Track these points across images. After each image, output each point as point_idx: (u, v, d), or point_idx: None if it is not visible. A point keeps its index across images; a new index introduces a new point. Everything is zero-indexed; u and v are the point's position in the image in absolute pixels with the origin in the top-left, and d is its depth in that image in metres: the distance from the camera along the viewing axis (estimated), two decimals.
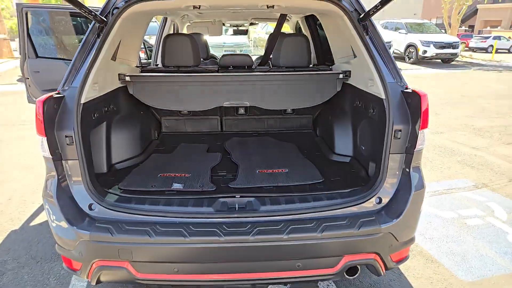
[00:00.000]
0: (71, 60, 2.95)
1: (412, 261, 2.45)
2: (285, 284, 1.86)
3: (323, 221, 1.55)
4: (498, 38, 28.26)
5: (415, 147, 1.59)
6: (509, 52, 28.11)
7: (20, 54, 3.07)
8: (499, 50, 27.52)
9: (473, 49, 28.25)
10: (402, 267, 2.40)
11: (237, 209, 1.61)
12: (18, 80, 10.63)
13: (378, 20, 18.67)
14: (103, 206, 1.61)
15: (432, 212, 3.10)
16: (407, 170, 1.63)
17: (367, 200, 1.64)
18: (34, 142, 5.00)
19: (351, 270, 1.68)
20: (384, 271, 1.68)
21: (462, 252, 2.56)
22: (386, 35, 15.07)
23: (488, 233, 2.80)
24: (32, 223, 2.97)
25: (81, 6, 1.55)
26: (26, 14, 2.85)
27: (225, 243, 1.48)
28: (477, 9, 38.60)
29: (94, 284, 1.65)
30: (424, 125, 1.58)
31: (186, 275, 1.56)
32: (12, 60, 15.26)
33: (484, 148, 4.71)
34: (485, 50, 27.39)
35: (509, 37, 29.66)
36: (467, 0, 17.34)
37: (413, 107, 1.59)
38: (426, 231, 2.82)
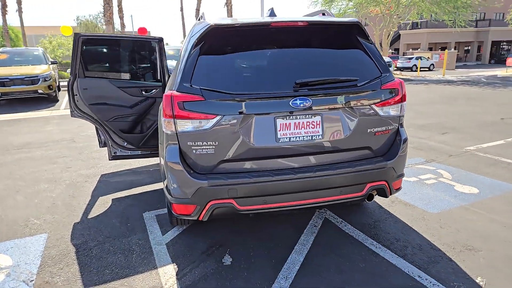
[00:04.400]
0: (114, 78, 3.73)
1: (396, 207, 3.45)
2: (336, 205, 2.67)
3: (355, 162, 2.46)
4: (420, 58, 32.65)
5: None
6: (429, 70, 32.45)
7: (70, 74, 3.64)
8: (421, 68, 31.81)
9: (400, 69, 32.17)
10: (390, 210, 3.37)
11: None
12: None
13: None
14: None
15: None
16: (399, 128, 2.62)
17: None
18: (37, 162, 5.36)
19: (369, 196, 2.60)
20: (389, 195, 2.62)
21: (427, 198, 3.62)
22: None
23: (441, 186, 3.92)
24: (90, 216, 3.47)
25: None
26: (82, 41, 3.49)
27: (298, 179, 2.32)
28: (400, 34, 44.20)
29: (205, 220, 2.37)
30: (401, 101, 2.59)
31: (272, 204, 2.35)
32: None
33: (427, 138, 6.06)
34: (410, 69, 31.26)
35: (428, 57, 34.40)
36: (393, 27, 20.31)
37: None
38: (401, 189, 3.86)
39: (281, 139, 2.31)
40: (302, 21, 2.42)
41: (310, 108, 2.29)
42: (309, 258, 2.65)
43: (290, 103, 2.26)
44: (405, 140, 2.62)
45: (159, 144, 2.80)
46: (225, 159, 2.31)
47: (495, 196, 3.65)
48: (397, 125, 2.60)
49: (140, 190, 4.11)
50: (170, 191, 2.40)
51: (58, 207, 3.71)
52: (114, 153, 4.07)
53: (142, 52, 3.85)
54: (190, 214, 2.38)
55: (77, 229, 3.23)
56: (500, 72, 21.89)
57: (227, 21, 2.38)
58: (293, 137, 2.33)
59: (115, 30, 26.73)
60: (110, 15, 20.69)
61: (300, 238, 2.91)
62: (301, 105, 2.26)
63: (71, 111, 3.80)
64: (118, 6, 24.01)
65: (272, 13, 2.83)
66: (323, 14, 3.01)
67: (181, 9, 33.23)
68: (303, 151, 2.39)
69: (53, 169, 4.99)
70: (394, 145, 2.60)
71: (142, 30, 21.98)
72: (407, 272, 2.44)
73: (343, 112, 2.41)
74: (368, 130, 2.47)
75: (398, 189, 2.71)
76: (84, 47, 3.54)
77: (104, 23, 20.47)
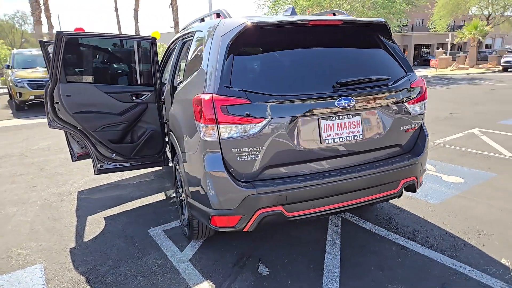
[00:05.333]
0: (101, 83, 3.38)
1: (401, 200, 3.59)
2: (371, 204, 2.68)
3: (390, 159, 2.50)
4: None
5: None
6: None
7: (50, 79, 3.15)
8: None
9: None
10: (399, 204, 3.50)
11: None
12: None
13: None
14: None
15: None
16: (422, 125, 2.72)
17: None
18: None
19: (401, 193, 2.66)
20: (417, 189, 2.71)
21: (425, 190, 3.84)
22: None
23: (430, 178, 4.19)
24: (86, 239, 3.05)
25: None
26: (65, 41, 3.04)
27: (343, 180, 2.28)
28: None
29: (251, 230, 2.21)
30: (424, 98, 2.70)
31: (319, 208, 2.27)
32: None
33: None
34: None
35: None
36: None
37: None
38: None
39: (326, 140, 2.26)
40: (337, 20, 2.40)
41: (352, 107, 2.28)
42: (344, 258, 2.62)
43: (336, 103, 2.21)
44: (428, 135, 2.73)
45: (181, 152, 2.56)
46: (270, 164, 2.19)
47: (479, 184, 4.00)
48: (421, 121, 2.71)
49: (132, 206, 3.73)
50: (209, 203, 2.20)
51: (40, 232, 3.21)
52: (101, 166, 3.65)
53: (132, 54, 3.51)
54: (234, 226, 2.20)
55: (77, 255, 2.82)
56: (427, 72, 24.32)
57: (260, 19, 2.26)
58: (336, 138, 2.29)
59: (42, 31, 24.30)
60: (39, 14, 18.71)
61: (327, 240, 2.88)
62: (346, 104, 2.23)
63: (48, 122, 3.31)
64: (44, 4, 21.85)
65: (293, 12, 2.77)
66: (334, 14, 3.02)
67: (116, 10, 31.29)
68: (345, 152, 2.36)
69: (14, 189, 4.33)
70: (419, 141, 2.70)
71: (79, 30, 20.19)
72: (441, 262, 2.54)
73: (380, 111, 2.43)
74: (401, 128, 2.53)
75: (421, 183, 2.82)
76: (67, 48, 3.10)
77: (26, 23, 18.34)
